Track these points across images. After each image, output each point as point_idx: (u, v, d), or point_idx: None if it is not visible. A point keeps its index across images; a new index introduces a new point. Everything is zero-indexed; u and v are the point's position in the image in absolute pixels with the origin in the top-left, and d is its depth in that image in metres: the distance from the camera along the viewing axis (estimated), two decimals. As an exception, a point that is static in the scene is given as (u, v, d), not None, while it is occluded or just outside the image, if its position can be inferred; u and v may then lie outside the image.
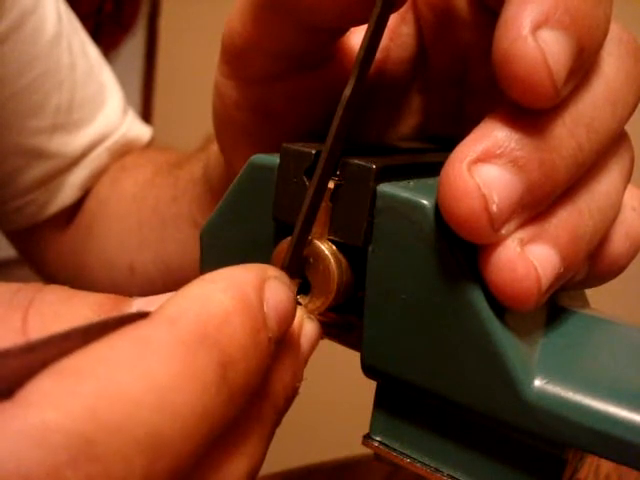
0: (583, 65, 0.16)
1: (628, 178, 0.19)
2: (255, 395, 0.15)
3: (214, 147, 0.33)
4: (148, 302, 0.16)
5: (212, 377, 0.13)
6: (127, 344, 0.13)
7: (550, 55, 0.15)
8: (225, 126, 0.26)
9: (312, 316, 0.18)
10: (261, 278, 0.15)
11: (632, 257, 0.20)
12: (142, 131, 0.51)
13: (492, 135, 0.16)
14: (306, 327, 0.18)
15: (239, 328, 0.14)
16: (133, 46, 1.58)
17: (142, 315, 0.14)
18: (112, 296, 0.17)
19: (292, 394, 0.17)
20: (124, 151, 0.49)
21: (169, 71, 1.57)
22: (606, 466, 0.51)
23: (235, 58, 0.23)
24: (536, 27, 0.15)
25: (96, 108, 0.48)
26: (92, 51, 0.49)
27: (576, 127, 0.16)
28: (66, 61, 0.46)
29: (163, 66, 1.58)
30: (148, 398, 0.12)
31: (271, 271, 0.16)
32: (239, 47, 0.22)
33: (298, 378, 0.17)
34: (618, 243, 0.19)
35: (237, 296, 0.14)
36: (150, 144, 0.51)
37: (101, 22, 1.51)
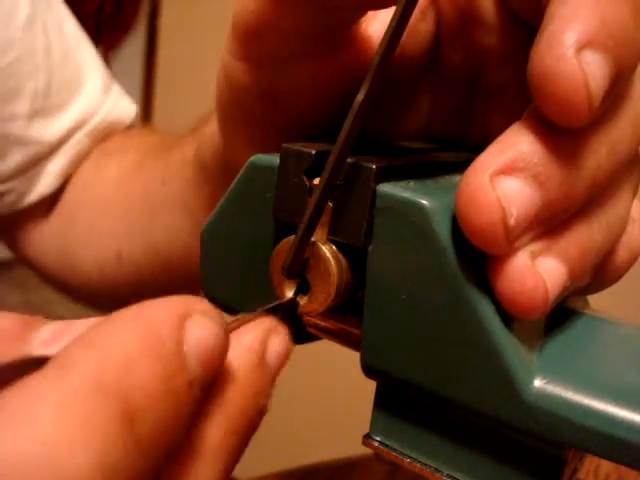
0: (617, 89, 0.16)
1: (636, 193, 0.20)
2: (202, 422, 0.15)
3: (208, 129, 0.33)
4: (58, 329, 0.15)
5: (115, 430, 0.12)
6: (14, 400, 0.11)
7: (591, 78, 0.15)
8: (230, 108, 0.25)
9: (279, 328, 0.17)
10: (181, 314, 0.14)
11: (631, 266, 0.20)
12: (126, 110, 0.49)
13: (517, 147, 0.16)
14: (272, 343, 0.17)
15: (146, 374, 0.12)
16: (133, 46, 1.58)
17: (39, 362, 0.12)
18: (19, 319, 0.15)
19: (256, 414, 0.16)
20: (106, 134, 0.48)
21: (169, 71, 1.57)
22: (606, 466, 0.51)
23: (247, 37, 0.22)
24: (581, 48, 0.15)
25: (74, 90, 0.47)
26: (69, 28, 0.48)
27: (599, 148, 0.17)
28: (41, 44, 0.45)
29: (163, 66, 1.58)
30: (40, 459, 0.11)
31: (197, 305, 0.14)
32: (252, 25, 0.21)
33: (263, 397, 0.16)
34: (620, 253, 0.20)
35: (146, 338, 0.13)
36: (136, 122, 0.50)
37: (101, 22, 1.51)
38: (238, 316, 0.17)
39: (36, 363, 0.12)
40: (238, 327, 0.16)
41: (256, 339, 0.16)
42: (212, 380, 0.14)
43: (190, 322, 0.14)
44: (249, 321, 0.17)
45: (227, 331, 0.15)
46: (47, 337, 0.15)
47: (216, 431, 0.15)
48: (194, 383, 0.13)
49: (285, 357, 0.17)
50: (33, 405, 0.11)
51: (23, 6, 0.45)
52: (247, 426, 0.16)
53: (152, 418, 0.12)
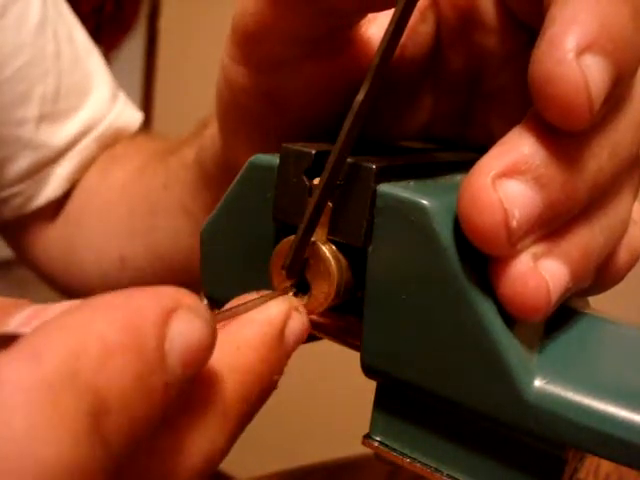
0: (618, 92, 0.16)
1: (636, 195, 0.20)
2: (217, 383, 0.15)
3: (209, 131, 0.33)
4: (37, 312, 0.14)
5: (84, 425, 0.11)
6: None
7: (592, 81, 0.15)
8: (229, 110, 0.25)
9: (301, 309, 0.18)
10: (168, 308, 0.13)
11: (632, 267, 0.20)
12: (132, 118, 0.50)
13: (519, 150, 0.16)
14: (292, 320, 0.17)
15: (122, 370, 0.12)
16: (133, 46, 1.58)
17: (6, 339, 0.12)
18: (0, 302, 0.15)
19: (268, 386, 0.16)
20: (112, 140, 0.48)
21: (169, 71, 1.57)
22: (606, 466, 0.51)
23: (247, 41, 0.22)
24: (581, 51, 0.15)
25: (83, 96, 0.47)
26: (79, 36, 0.49)
27: (600, 150, 0.17)
28: (51, 49, 0.46)
29: (163, 66, 1.58)
30: (3, 446, 0.10)
31: (185, 299, 0.13)
32: (252, 28, 0.21)
33: (277, 371, 0.17)
34: (621, 255, 0.20)
35: (127, 330, 0.12)
36: (141, 130, 0.50)
37: (101, 22, 1.51)
38: (230, 304, 0.17)
39: (3, 341, 0.12)
40: (228, 318, 0.17)
41: (279, 314, 0.17)
42: (191, 383, 0.14)
43: (175, 318, 0.13)
44: (239, 313, 0.17)
45: (214, 327, 0.14)
46: (24, 319, 0.14)
47: (230, 394, 0.15)
48: (171, 384, 0.13)
49: (302, 336, 0.18)
50: (1, 389, 0.11)
51: (34, 11, 0.45)
52: (258, 396, 0.16)
53: (122, 416, 0.12)
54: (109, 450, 0.12)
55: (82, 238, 0.46)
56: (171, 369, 0.13)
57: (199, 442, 0.15)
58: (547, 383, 0.17)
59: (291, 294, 0.19)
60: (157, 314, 0.13)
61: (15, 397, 0.11)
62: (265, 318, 0.17)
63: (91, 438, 0.11)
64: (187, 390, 0.14)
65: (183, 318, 0.13)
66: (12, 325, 0.14)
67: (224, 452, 0.15)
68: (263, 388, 0.16)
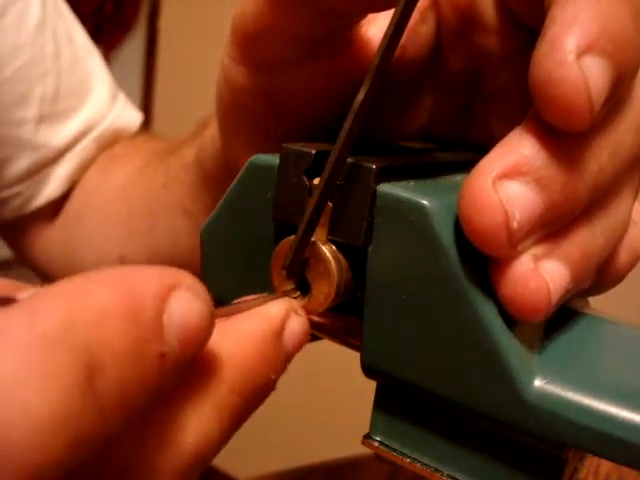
0: (618, 93, 0.16)
1: (637, 196, 0.20)
2: (214, 370, 0.15)
3: (209, 131, 0.33)
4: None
5: (75, 379, 0.11)
6: None
7: (592, 82, 0.15)
8: (229, 110, 0.25)
9: (301, 311, 0.18)
10: (168, 284, 0.13)
11: (632, 267, 0.21)
12: (131, 118, 0.50)
13: (519, 151, 0.16)
14: (292, 321, 0.17)
15: (117, 333, 0.12)
16: (133, 46, 1.58)
17: (8, 300, 0.12)
18: (6, 284, 0.15)
19: (265, 384, 0.16)
20: (112, 141, 0.48)
21: (169, 71, 1.57)
22: (606, 466, 0.51)
23: (247, 41, 0.22)
24: (581, 52, 0.15)
25: (82, 97, 0.47)
26: (79, 37, 0.49)
27: (600, 151, 0.17)
28: (51, 50, 0.46)
29: (163, 66, 1.58)
30: None
31: (186, 279, 0.14)
32: (252, 29, 0.21)
33: (275, 370, 0.17)
34: (621, 256, 0.20)
35: (124, 298, 0.12)
36: (141, 130, 0.50)
37: (101, 22, 1.51)
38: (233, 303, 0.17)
39: (1, 302, 0.12)
40: (226, 314, 0.17)
41: (279, 313, 0.17)
42: (189, 363, 0.14)
43: (175, 294, 0.13)
44: (239, 310, 0.17)
45: (213, 309, 0.14)
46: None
47: (226, 385, 0.15)
48: (167, 357, 0.13)
49: (302, 338, 0.17)
50: None
51: (34, 11, 0.45)
52: (253, 392, 0.16)
53: (115, 377, 0.12)
54: (102, 412, 0.11)
55: (82, 238, 0.46)
56: (168, 342, 0.13)
57: (193, 423, 0.15)
58: (547, 383, 0.17)
59: (295, 296, 0.19)
60: (157, 288, 0.13)
61: (7, 348, 0.11)
62: (264, 315, 0.17)
63: (84, 394, 0.11)
64: (185, 371, 0.14)
65: (182, 296, 0.13)
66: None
67: (217, 443, 0.15)
68: (259, 385, 0.16)
